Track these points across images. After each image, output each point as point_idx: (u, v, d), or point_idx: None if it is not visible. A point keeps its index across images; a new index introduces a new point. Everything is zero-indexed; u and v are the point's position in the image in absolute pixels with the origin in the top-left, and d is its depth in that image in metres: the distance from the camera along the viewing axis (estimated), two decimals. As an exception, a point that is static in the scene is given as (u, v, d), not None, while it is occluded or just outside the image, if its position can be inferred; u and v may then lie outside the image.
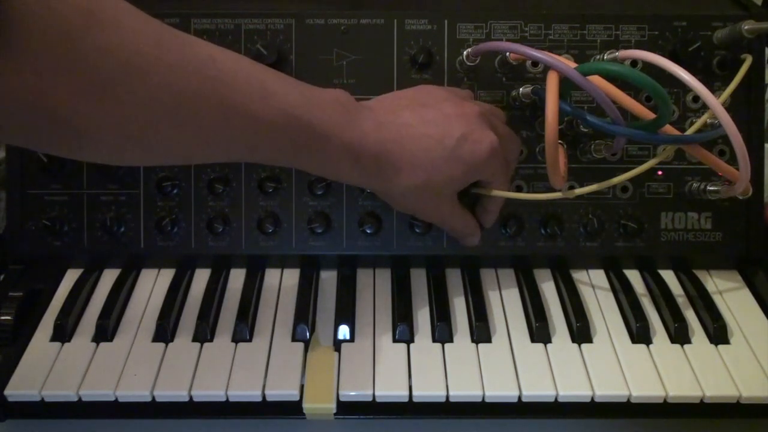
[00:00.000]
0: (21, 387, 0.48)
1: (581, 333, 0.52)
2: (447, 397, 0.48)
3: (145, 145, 0.39)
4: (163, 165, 0.44)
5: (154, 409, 0.49)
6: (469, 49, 0.56)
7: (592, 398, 0.48)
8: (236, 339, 0.52)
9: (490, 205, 0.55)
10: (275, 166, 0.57)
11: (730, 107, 0.57)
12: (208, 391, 0.48)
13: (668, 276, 0.58)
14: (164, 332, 0.52)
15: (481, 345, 0.52)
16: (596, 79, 0.48)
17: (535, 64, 0.57)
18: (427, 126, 0.49)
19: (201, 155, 0.44)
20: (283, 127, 0.43)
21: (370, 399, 0.48)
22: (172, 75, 0.37)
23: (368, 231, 0.57)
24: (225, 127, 0.41)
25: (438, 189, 0.50)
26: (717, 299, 0.56)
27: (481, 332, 0.52)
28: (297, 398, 0.48)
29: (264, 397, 0.48)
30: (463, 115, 0.49)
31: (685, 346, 0.52)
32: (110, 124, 0.37)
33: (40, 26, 0.32)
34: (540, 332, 0.52)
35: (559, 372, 0.49)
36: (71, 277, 0.58)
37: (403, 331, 0.52)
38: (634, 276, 0.58)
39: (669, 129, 0.49)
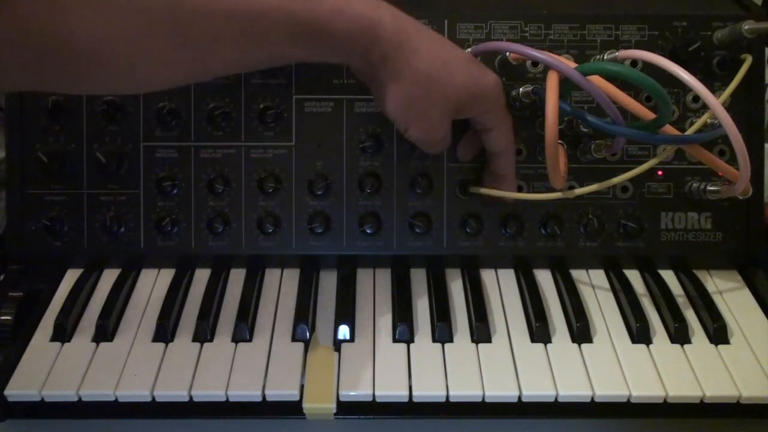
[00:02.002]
0: (21, 387, 0.48)
1: (581, 333, 0.52)
2: (447, 397, 0.48)
3: (154, 55, 0.39)
4: (174, 86, 0.44)
5: (154, 409, 0.49)
6: (469, 49, 0.56)
7: (592, 398, 0.48)
8: (236, 339, 0.52)
9: (504, 165, 0.54)
10: (276, 166, 0.57)
11: (730, 107, 0.57)
12: (208, 391, 0.48)
13: (668, 276, 0.58)
14: (164, 332, 0.52)
15: (481, 345, 0.52)
16: (596, 79, 0.48)
17: (535, 64, 0.57)
18: (444, 41, 0.49)
19: (219, 61, 0.43)
20: (291, 6, 0.42)
21: (370, 399, 0.48)
22: None
23: (368, 231, 0.57)
24: (225, 20, 0.40)
25: (445, 89, 0.48)
26: (717, 299, 0.56)
27: (481, 332, 0.52)
28: (297, 398, 0.48)
29: (264, 397, 0.48)
30: (473, 60, 0.51)
31: (685, 346, 0.52)
32: (114, 37, 0.36)
33: None
34: (540, 332, 0.52)
35: (559, 372, 0.49)
36: (71, 277, 0.58)
37: (403, 331, 0.52)
38: (634, 276, 0.58)
39: (669, 129, 0.49)
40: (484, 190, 0.56)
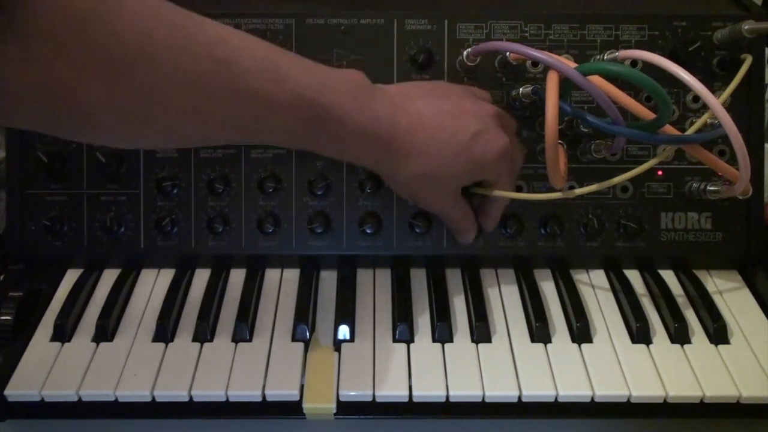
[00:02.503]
0: (21, 387, 0.48)
1: (581, 333, 0.52)
2: (447, 397, 0.48)
3: (156, 128, 0.39)
4: (178, 147, 0.44)
5: (154, 409, 0.49)
6: (469, 49, 0.56)
7: (592, 398, 0.48)
8: (236, 339, 0.52)
9: (492, 209, 0.55)
10: (276, 165, 0.57)
11: (730, 107, 0.57)
12: (208, 391, 0.48)
13: (668, 276, 0.58)
14: (164, 332, 0.52)
15: (481, 345, 0.52)
16: (596, 79, 0.48)
17: (535, 64, 0.57)
18: (442, 117, 0.49)
19: (213, 137, 0.44)
20: (296, 109, 0.43)
21: (370, 399, 0.48)
22: (182, 58, 0.37)
23: (368, 231, 0.57)
24: (237, 110, 0.41)
25: (443, 181, 0.50)
26: (717, 299, 0.56)
27: (481, 332, 0.52)
28: (297, 398, 0.48)
29: (264, 397, 0.48)
30: (479, 112, 0.50)
31: (685, 346, 0.52)
32: (120, 107, 0.37)
33: (49, 10, 0.32)
34: (540, 332, 0.52)
35: (559, 372, 0.49)
36: (71, 277, 0.58)
37: (403, 331, 0.52)
38: (634, 276, 0.58)
39: (669, 129, 0.49)
40: (483, 191, 0.56)
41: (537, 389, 0.48)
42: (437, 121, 0.48)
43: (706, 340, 0.52)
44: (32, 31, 0.32)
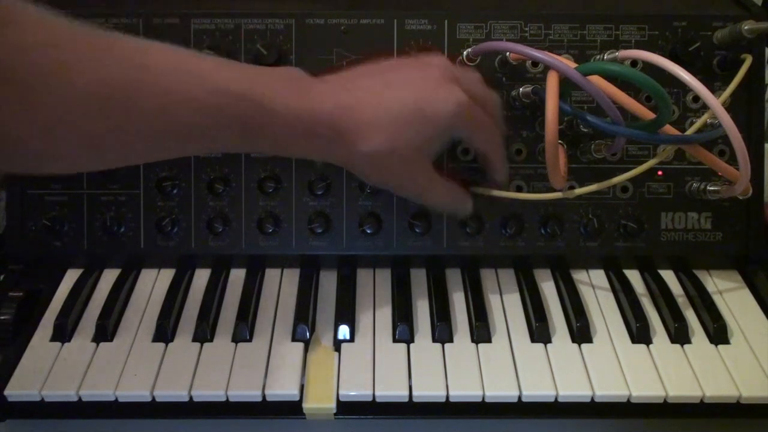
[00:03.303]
0: (21, 387, 0.48)
1: (581, 333, 0.52)
2: (447, 397, 0.48)
3: (91, 146, 0.38)
4: (108, 168, 0.43)
5: (154, 409, 0.49)
6: (469, 49, 0.56)
7: (592, 398, 0.48)
8: (236, 339, 0.52)
9: (492, 156, 0.52)
10: (276, 165, 0.57)
11: (730, 107, 0.57)
12: (208, 391, 0.48)
13: (668, 276, 0.58)
14: (164, 332, 0.52)
15: (481, 345, 0.52)
16: (596, 79, 0.48)
17: (535, 64, 0.57)
18: (388, 89, 0.46)
19: (145, 152, 0.42)
20: (226, 107, 0.41)
21: (370, 399, 0.48)
22: (96, 67, 0.36)
23: (368, 231, 0.57)
24: (163, 116, 0.39)
25: (406, 154, 0.46)
26: (717, 299, 0.56)
27: (481, 332, 0.52)
28: (297, 398, 0.48)
29: (264, 397, 0.48)
30: (425, 76, 0.47)
31: (685, 346, 0.52)
32: (36, 128, 0.35)
33: None
34: (540, 332, 0.52)
35: (559, 372, 0.49)
36: (71, 277, 0.58)
37: (403, 331, 0.52)
38: (634, 276, 0.58)
39: (669, 129, 0.49)
40: (483, 190, 0.56)
41: (537, 389, 0.48)
42: (382, 94, 0.45)
43: (706, 340, 0.52)
44: None
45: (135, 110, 0.38)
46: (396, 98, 0.45)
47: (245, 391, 0.48)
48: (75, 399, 0.48)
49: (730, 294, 0.57)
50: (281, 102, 0.43)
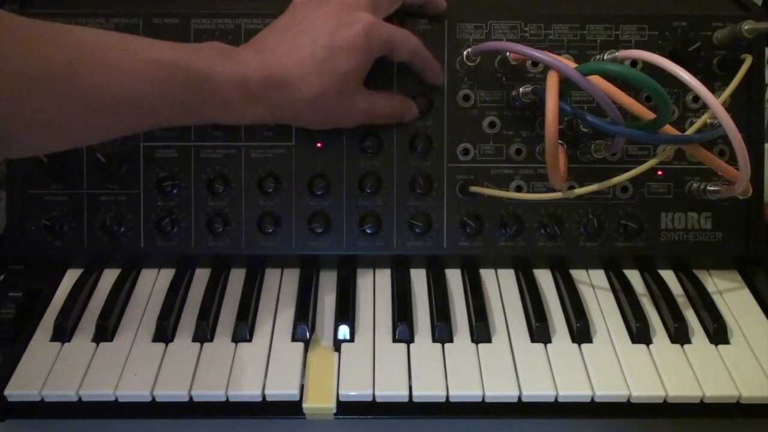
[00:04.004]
0: (21, 387, 0.48)
1: (581, 333, 0.52)
2: (447, 397, 0.48)
3: (22, 127, 0.40)
4: (53, 151, 0.45)
5: (154, 409, 0.49)
6: (469, 49, 0.56)
7: (592, 398, 0.48)
8: (236, 339, 0.52)
9: (420, 60, 0.55)
10: (275, 165, 0.57)
11: (730, 107, 0.57)
12: (208, 391, 0.48)
13: (668, 276, 0.58)
14: (164, 332, 0.52)
15: (481, 345, 0.51)
16: (596, 79, 0.48)
17: (535, 64, 0.57)
18: (298, 36, 0.49)
19: (87, 130, 0.44)
20: (162, 78, 0.43)
21: (370, 399, 0.48)
22: (34, 48, 0.38)
23: (368, 231, 0.57)
24: (101, 91, 0.41)
25: (339, 87, 0.50)
26: (717, 299, 0.56)
27: (481, 332, 0.52)
28: (297, 398, 0.48)
29: (264, 397, 0.48)
30: (326, 12, 0.50)
31: (685, 346, 0.52)
32: None
33: None
34: (540, 332, 0.52)
35: (559, 372, 0.49)
36: (71, 277, 0.58)
37: (403, 331, 0.52)
38: (634, 276, 0.58)
39: (669, 129, 0.49)
40: (483, 190, 0.56)
41: (537, 389, 0.48)
42: (297, 42, 0.49)
43: (706, 340, 0.52)
44: None
45: (74, 87, 0.40)
46: (310, 40, 0.49)
47: (245, 391, 0.48)
48: (75, 399, 0.48)
49: (730, 294, 0.57)
50: (213, 69, 0.46)
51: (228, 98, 0.47)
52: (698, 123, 0.53)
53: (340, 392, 0.48)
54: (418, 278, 0.58)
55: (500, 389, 0.48)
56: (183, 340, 0.52)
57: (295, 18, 0.51)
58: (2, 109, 0.38)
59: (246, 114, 0.49)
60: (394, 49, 0.52)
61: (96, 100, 0.41)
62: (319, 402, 0.48)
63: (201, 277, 0.58)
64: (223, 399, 0.48)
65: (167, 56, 0.44)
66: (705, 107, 0.57)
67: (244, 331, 0.52)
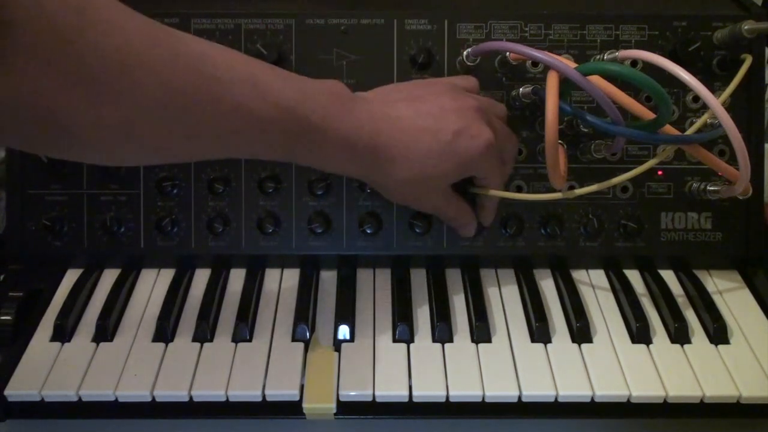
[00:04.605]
0: (21, 387, 0.48)
1: (581, 333, 0.52)
2: (447, 397, 0.48)
3: (142, 144, 0.40)
4: (162, 164, 0.44)
5: (154, 409, 0.49)
6: (469, 49, 0.56)
7: (592, 398, 0.48)
8: (236, 339, 0.52)
9: (487, 202, 0.55)
10: (275, 165, 0.57)
11: (730, 107, 0.57)
12: (208, 391, 0.48)
13: (668, 276, 0.58)
14: (164, 332, 0.52)
15: (481, 345, 0.51)
16: (596, 79, 0.48)
17: (535, 64, 0.57)
18: (423, 119, 0.48)
19: (198, 152, 0.44)
20: (277, 121, 0.43)
21: (370, 399, 0.48)
22: (165, 73, 0.37)
23: (368, 231, 0.57)
24: (219, 123, 0.41)
25: (432, 181, 0.50)
26: (717, 299, 0.56)
27: (481, 332, 0.52)
28: (297, 398, 0.48)
29: (264, 397, 0.48)
30: (460, 109, 0.49)
31: (685, 346, 0.52)
32: (105, 123, 0.37)
33: (33, 27, 0.32)
34: (540, 332, 0.52)
35: (559, 372, 0.49)
36: (71, 277, 0.58)
37: (403, 331, 0.52)
38: (634, 276, 0.58)
39: (669, 129, 0.49)
40: (483, 190, 0.56)
41: (537, 389, 0.48)
42: (418, 124, 0.48)
43: (706, 340, 0.52)
44: (16, 47, 0.32)
45: (194, 117, 0.40)
46: (434, 132, 0.48)
47: (245, 391, 0.48)
48: (75, 399, 0.48)
49: (730, 294, 0.57)
50: (328, 119, 0.45)
51: (332, 151, 0.46)
52: (698, 123, 0.53)
53: (340, 392, 0.48)
54: (418, 278, 0.58)
55: (500, 389, 0.48)
56: (183, 340, 0.52)
57: (426, 97, 0.50)
58: (122, 129, 0.37)
59: (340, 167, 0.49)
60: (489, 179, 0.52)
61: (207, 131, 0.41)
62: (319, 402, 0.48)
63: (201, 277, 0.58)
64: (223, 399, 0.48)
65: (289, 98, 0.43)
66: (705, 107, 0.57)
67: (244, 331, 0.52)
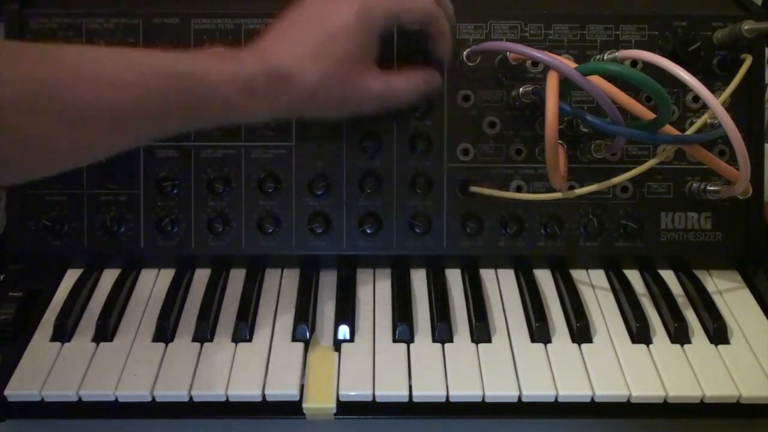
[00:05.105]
0: (21, 387, 0.48)
1: (581, 333, 0.52)
2: (447, 397, 0.48)
3: (22, 149, 0.40)
4: (53, 173, 0.44)
5: (154, 409, 0.49)
6: (469, 49, 0.56)
7: (592, 398, 0.48)
8: (236, 339, 0.52)
9: (437, 34, 0.53)
10: (276, 165, 0.57)
11: (730, 107, 0.57)
12: (208, 391, 0.48)
13: (668, 276, 0.58)
14: (164, 332, 0.52)
15: (481, 345, 0.51)
16: (596, 79, 0.48)
17: (535, 64, 0.57)
18: (292, 29, 0.49)
19: (87, 148, 0.43)
20: (157, 86, 0.43)
21: (370, 399, 0.48)
22: (30, 68, 0.38)
23: (368, 231, 0.57)
24: (98, 105, 0.41)
25: (340, 74, 0.48)
26: (717, 299, 0.56)
27: (481, 332, 0.52)
28: (297, 398, 0.48)
29: (264, 397, 0.48)
30: (317, 1, 0.49)
31: (685, 346, 0.52)
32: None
33: None
34: (540, 332, 0.52)
35: (559, 372, 0.49)
36: (71, 277, 0.58)
37: (403, 331, 0.52)
38: (634, 276, 0.58)
39: (669, 129, 0.49)
40: (483, 190, 0.56)
41: (537, 389, 0.48)
42: (292, 35, 0.48)
43: (706, 340, 0.52)
44: None
45: (62, 103, 0.40)
46: (303, 30, 0.48)
47: (245, 391, 0.48)
48: (75, 399, 0.48)
49: (730, 294, 0.57)
50: (212, 71, 0.45)
51: (230, 98, 0.46)
52: (698, 123, 0.54)
53: (340, 392, 0.48)
54: (418, 278, 0.58)
55: (500, 389, 0.48)
56: (183, 340, 0.52)
57: (290, 14, 0.50)
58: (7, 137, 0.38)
59: (249, 112, 0.48)
60: (401, 16, 0.50)
61: (89, 115, 0.41)
62: (319, 402, 0.48)
63: (201, 277, 0.58)
64: (223, 399, 0.48)
65: (164, 63, 0.43)
66: (705, 107, 0.57)
67: (244, 331, 0.52)
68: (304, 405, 0.48)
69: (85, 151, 0.44)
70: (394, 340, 0.52)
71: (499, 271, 0.59)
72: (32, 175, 0.43)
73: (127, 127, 0.43)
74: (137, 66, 0.42)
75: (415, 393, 0.48)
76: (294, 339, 0.52)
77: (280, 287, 0.57)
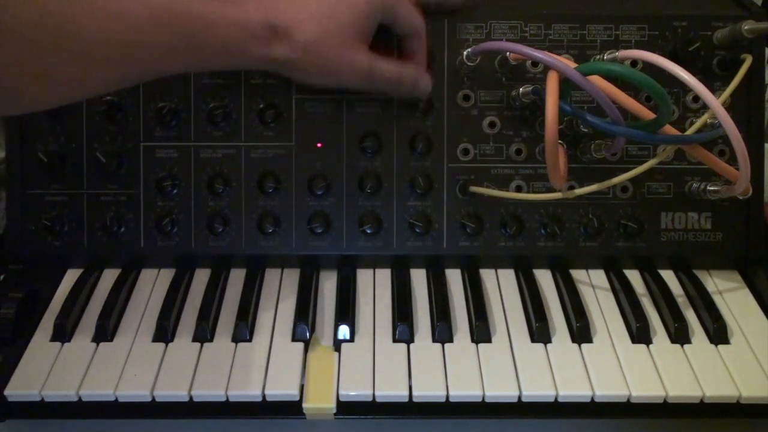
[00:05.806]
0: (21, 387, 0.48)
1: (581, 333, 0.52)
2: (447, 397, 0.48)
3: (28, 80, 0.40)
4: (53, 106, 0.45)
5: (154, 409, 0.49)
6: (469, 49, 0.56)
7: (592, 398, 0.48)
8: (236, 339, 0.52)
9: (415, 43, 0.54)
10: (276, 165, 0.57)
11: (730, 107, 0.57)
12: (208, 391, 0.48)
13: (668, 276, 0.58)
14: (164, 332, 0.52)
15: (481, 345, 0.51)
16: (596, 79, 0.48)
17: (535, 64, 0.57)
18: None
19: (87, 81, 0.44)
20: (159, 22, 0.43)
21: (370, 399, 0.48)
22: (37, 2, 0.38)
23: (368, 231, 0.57)
24: (102, 37, 0.41)
25: (338, 37, 0.49)
26: (717, 299, 0.56)
27: (481, 332, 0.52)
28: (297, 398, 0.48)
29: (264, 397, 0.48)
30: None
31: (685, 346, 0.52)
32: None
33: None
34: (540, 332, 0.52)
35: (559, 372, 0.49)
36: (71, 277, 0.58)
37: (403, 331, 0.52)
38: (634, 276, 0.58)
39: (669, 129, 0.49)
40: (483, 190, 0.56)
41: (537, 389, 0.48)
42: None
43: (706, 340, 0.52)
44: None
45: (75, 35, 0.40)
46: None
47: (245, 391, 0.48)
48: (75, 399, 0.48)
49: (730, 294, 0.57)
50: (213, 12, 0.45)
51: (229, 40, 0.46)
52: (698, 123, 0.54)
53: (340, 392, 0.48)
54: (418, 278, 0.58)
55: (500, 389, 0.48)
56: (183, 340, 0.52)
57: None
58: (5, 63, 0.38)
59: (247, 56, 0.48)
60: (399, 16, 0.52)
61: (93, 48, 0.41)
62: (319, 402, 0.48)
63: (201, 277, 0.58)
64: (223, 399, 0.48)
65: (175, 3, 0.44)
66: (705, 107, 0.57)
67: (244, 331, 0.52)
68: (304, 405, 0.48)
69: (90, 85, 0.44)
70: (394, 340, 0.52)
71: (499, 271, 0.59)
72: (41, 106, 0.44)
73: (128, 62, 0.44)
74: (150, 1, 0.43)
75: (415, 393, 0.48)
76: (294, 339, 0.52)
77: (280, 287, 0.58)
